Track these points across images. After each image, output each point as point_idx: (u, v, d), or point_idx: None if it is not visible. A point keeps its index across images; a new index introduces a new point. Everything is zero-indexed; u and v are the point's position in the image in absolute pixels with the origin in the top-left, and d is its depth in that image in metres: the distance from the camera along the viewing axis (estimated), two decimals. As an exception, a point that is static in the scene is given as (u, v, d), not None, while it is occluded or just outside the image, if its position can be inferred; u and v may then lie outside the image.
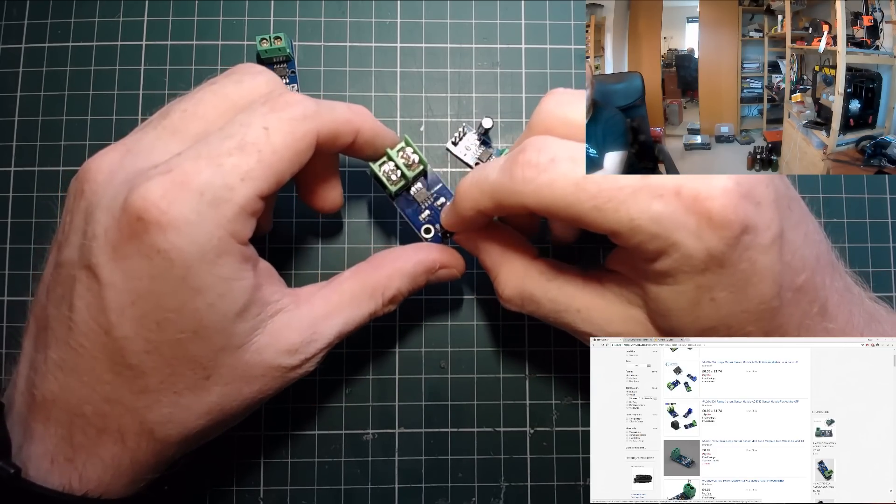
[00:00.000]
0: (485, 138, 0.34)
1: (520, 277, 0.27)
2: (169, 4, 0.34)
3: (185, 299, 0.21)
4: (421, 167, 0.29)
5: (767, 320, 0.23)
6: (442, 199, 0.30)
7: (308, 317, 0.25)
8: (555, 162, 0.22)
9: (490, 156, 0.33)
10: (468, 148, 0.33)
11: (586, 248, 0.33)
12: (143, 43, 0.34)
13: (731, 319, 0.23)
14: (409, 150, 0.28)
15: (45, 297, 0.24)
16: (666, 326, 0.24)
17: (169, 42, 0.34)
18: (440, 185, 0.30)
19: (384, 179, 0.28)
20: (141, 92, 0.33)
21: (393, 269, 0.28)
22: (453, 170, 0.34)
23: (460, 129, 0.34)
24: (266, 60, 0.33)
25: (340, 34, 0.34)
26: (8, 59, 0.33)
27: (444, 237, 0.30)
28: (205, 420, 0.24)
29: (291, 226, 0.33)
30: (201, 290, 0.22)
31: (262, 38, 0.32)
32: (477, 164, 0.33)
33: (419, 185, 0.29)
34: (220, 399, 0.24)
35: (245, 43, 0.34)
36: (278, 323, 0.25)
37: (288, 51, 0.33)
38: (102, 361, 0.22)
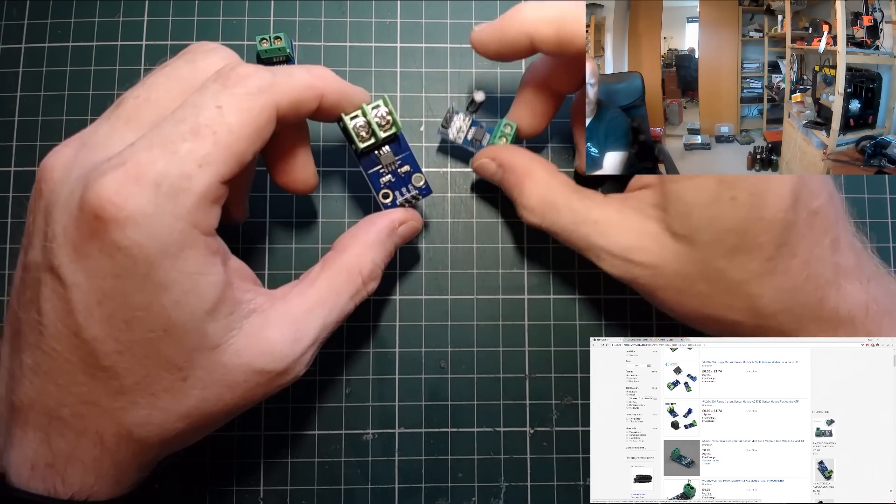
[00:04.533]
0: (475, 117, 0.32)
1: (543, 187, 0.28)
2: (169, 4, 0.34)
3: (151, 297, 0.21)
4: (393, 130, 0.28)
5: (780, 233, 0.23)
6: (406, 167, 0.29)
7: (287, 315, 0.24)
8: None
9: (484, 135, 0.32)
10: (460, 130, 0.32)
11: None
12: (143, 43, 0.34)
13: (748, 225, 0.23)
14: (383, 109, 0.27)
15: (16, 301, 0.23)
16: (685, 229, 0.24)
17: (169, 42, 0.34)
18: (408, 153, 0.29)
19: (353, 134, 0.27)
20: (141, 92, 0.33)
21: (359, 245, 0.27)
22: (452, 170, 0.34)
23: (448, 110, 0.32)
24: (266, 60, 0.33)
25: (340, 34, 0.34)
26: (8, 59, 0.33)
27: (402, 205, 0.29)
28: (184, 423, 0.23)
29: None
30: (167, 287, 0.21)
31: (262, 38, 0.32)
32: (474, 145, 0.32)
33: (387, 148, 0.28)
34: (199, 403, 0.23)
35: (245, 43, 0.34)
36: (255, 324, 0.23)
37: (288, 51, 0.33)
38: (75, 364, 0.21)
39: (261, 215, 0.33)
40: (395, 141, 0.28)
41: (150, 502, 0.25)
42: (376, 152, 0.28)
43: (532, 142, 0.33)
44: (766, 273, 0.24)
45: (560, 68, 0.28)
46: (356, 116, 0.27)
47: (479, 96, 0.32)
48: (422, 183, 0.29)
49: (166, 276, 0.21)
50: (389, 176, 0.29)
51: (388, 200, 0.29)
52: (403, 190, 0.29)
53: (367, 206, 0.33)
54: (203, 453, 0.31)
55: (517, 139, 0.31)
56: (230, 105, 0.22)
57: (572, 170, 0.34)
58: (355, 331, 0.32)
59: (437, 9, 0.35)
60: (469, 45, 0.34)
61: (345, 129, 0.27)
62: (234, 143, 0.22)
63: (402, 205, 0.29)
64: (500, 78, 0.34)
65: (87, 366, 0.21)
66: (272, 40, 0.32)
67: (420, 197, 0.29)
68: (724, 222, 0.23)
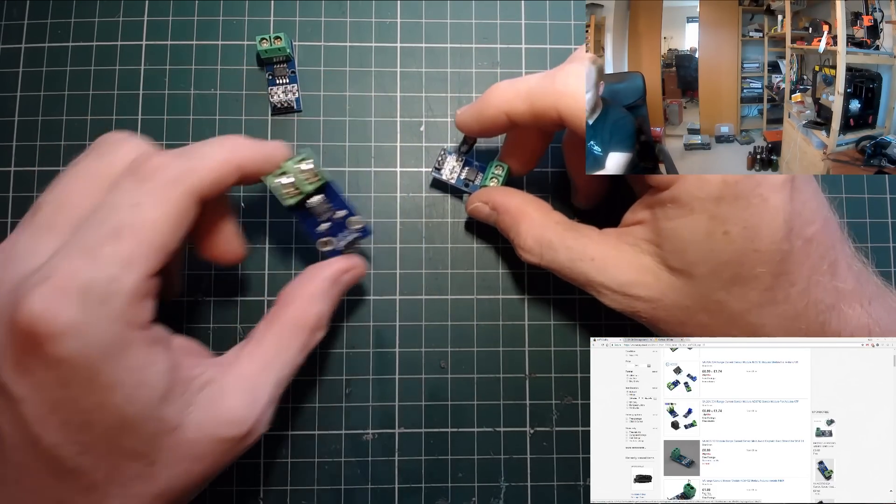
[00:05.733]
0: (467, 157, 0.32)
1: (538, 227, 0.28)
2: (169, 4, 0.34)
3: (101, 398, 0.21)
4: (319, 182, 0.27)
5: (777, 263, 0.23)
6: (343, 212, 0.29)
7: (240, 380, 0.25)
8: None
9: (477, 174, 0.32)
10: (453, 171, 0.32)
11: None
12: (143, 43, 0.34)
13: (743, 257, 0.23)
14: (306, 164, 0.27)
15: None
16: (681, 264, 0.24)
17: (169, 42, 0.34)
18: (340, 198, 0.29)
19: (278, 193, 0.27)
20: (141, 92, 0.33)
21: (303, 298, 0.27)
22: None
23: (440, 153, 0.32)
24: (266, 60, 0.33)
25: (340, 34, 0.34)
26: (8, 59, 0.33)
27: (344, 250, 0.29)
28: (159, 503, 0.23)
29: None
30: (114, 386, 0.21)
31: (262, 38, 0.32)
32: (467, 185, 0.32)
33: (318, 197, 0.28)
34: (170, 481, 0.23)
35: (245, 43, 0.34)
36: (211, 395, 0.24)
37: (288, 51, 0.33)
38: (42, 470, 0.21)
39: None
40: (326, 190, 0.28)
41: None
42: (307, 204, 0.28)
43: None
44: (765, 303, 0.24)
45: None
46: (280, 175, 0.27)
47: (471, 139, 0.32)
48: (360, 226, 0.29)
49: (111, 376, 0.21)
50: (326, 224, 0.29)
51: (328, 248, 0.29)
52: (342, 235, 0.29)
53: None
54: (203, 453, 0.31)
55: (510, 178, 0.31)
56: (147, 200, 0.22)
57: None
58: (355, 331, 0.32)
59: (437, 9, 0.35)
60: (469, 45, 0.34)
61: (270, 189, 0.27)
62: (158, 238, 0.22)
63: (344, 250, 0.29)
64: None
65: (54, 470, 0.21)
66: (272, 40, 0.32)
67: (361, 238, 0.29)
68: (719, 256, 0.23)
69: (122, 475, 0.22)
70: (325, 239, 0.29)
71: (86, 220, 0.22)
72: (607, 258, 0.26)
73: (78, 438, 0.21)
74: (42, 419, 0.21)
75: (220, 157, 0.24)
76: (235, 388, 0.25)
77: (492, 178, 0.31)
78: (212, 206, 0.26)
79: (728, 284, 0.24)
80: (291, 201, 0.27)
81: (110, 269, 0.21)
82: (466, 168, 0.32)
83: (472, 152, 0.33)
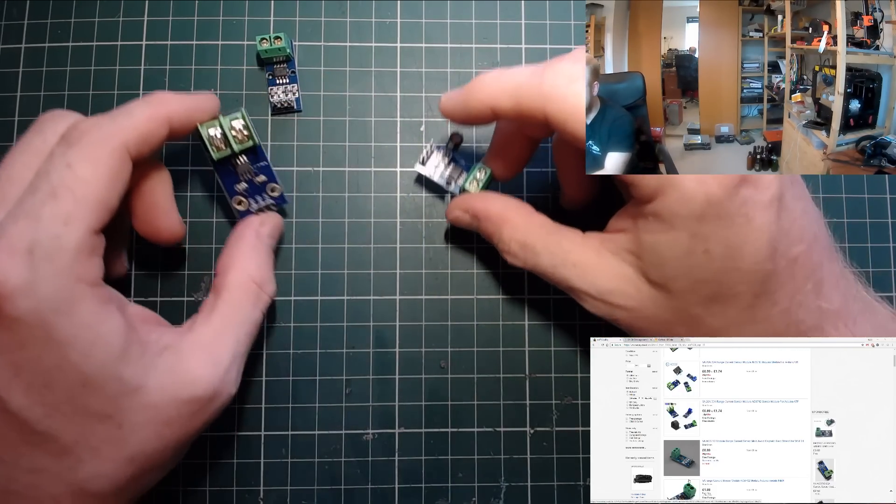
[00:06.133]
0: (454, 155, 0.32)
1: (521, 232, 0.28)
2: (169, 4, 0.34)
3: (59, 356, 0.21)
4: (250, 143, 0.28)
5: (759, 283, 0.23)
6: (262, 177, 0.30)
7: (198, 343, 0.25)
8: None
9: (461, 173, 0.32)
10: (436, 166, 0.32)
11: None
12: (143, 43, 0.34)
13: (724, 276, 0.23)
14: (240, 123, 0.28)
15: None
16: (660, 278, 0.24)
17: (169, 42, 0.34)
18: (266, 164, 0.29)
19: (208, 144, 0.28)
20: (141, 92, 0.33)
21: (237, 258, 0.28)
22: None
23: (427, 147, 0.32)
24: (266, 60, 0.33)
25: (340, 34, 0.34)
26: (8, 59, 0.33)
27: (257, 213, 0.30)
28: (132, 468, 0.23)
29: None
30: (70, 343, 0.22)
31: (262, 38, 0.32)
32: (449, 182, 0.32)
33: (245, 158, 0.29)
34: (141, 445, 0.23)
35: (245, 43, 0.34)
36: (170, 359, 0.24)
37: (288, 51, 0.33)
38: (13, 437, 0.22)
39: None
40: (254, 153, 0.29)
41: None
42: (234, 161, 0.29)
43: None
44: (745, 321, 0.24)
45: None
46: (212, 126, 0.28)
47: (458, 138, 0.32)
48: (277, 193, 0.30)
49: (66, 332, 0.21)
50: (245, 184, 0.30)
51: (241, 207, 0.30)
52: (258, 198, 0.30)
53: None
54: (203, 453, 0.31)
55: (494, 182, 0.31)
56: (78, 159, 0.23)
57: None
58: (355, 331, 0.32)
59: (437, 9, 0.35)
60: (469, 45, 0.34)
61: (201, 139, 0.28)
62: (94, 193, 0.23)
63: (256, 213, 0.30)
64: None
65: (25, 435, 0.22)
66: (272, 40, 0.32)
67: (275, 206, 0.30)
68: (698, 273, 0.23)
69: (92, 438, 0.23)
70: (240, 198, 0.30)
71: (26, 189, 0.23)
72: (589, 265, 0.26)
73: (43, 400, 0.22)
74: (7, 383, 0.21)
75: (146, 112, 0.25)
76: (194, 350, 0.25)
77: (472, 181, 0.31)
78: (147, 172, 0.27)
79: (707, 301, 0.24)
80: (218, 155, 0.28)
81: (53, 227, 0.22)
82: (452, 165, 0.32)
83: (472, 151, 0.33)
